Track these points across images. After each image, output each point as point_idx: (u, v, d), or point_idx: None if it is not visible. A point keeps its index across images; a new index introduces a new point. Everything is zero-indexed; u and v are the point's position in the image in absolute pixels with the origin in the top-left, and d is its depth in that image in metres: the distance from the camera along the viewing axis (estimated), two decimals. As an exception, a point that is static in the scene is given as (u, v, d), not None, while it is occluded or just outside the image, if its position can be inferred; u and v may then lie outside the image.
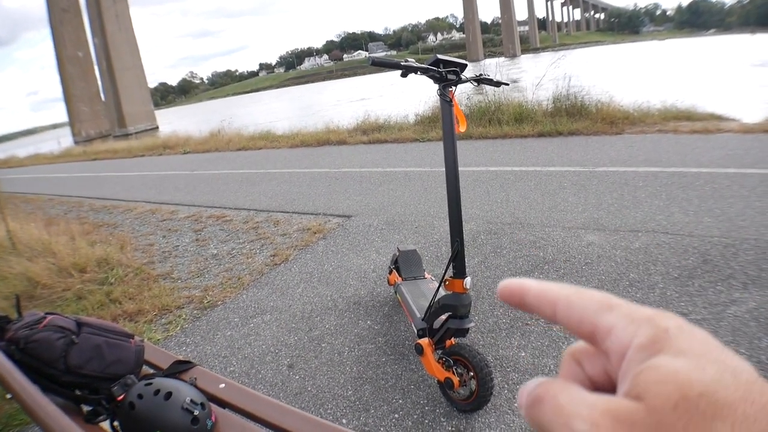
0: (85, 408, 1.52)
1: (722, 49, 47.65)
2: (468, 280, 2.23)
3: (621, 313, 0.26)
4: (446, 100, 2.25)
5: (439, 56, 2.28)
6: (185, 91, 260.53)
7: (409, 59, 2.20)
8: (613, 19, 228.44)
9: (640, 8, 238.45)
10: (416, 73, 2.22)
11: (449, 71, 2.27)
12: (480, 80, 2.58)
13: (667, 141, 6.93)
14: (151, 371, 1.72)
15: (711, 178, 5.01)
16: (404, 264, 3.20)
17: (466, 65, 2.34)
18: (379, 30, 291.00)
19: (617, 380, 0.26)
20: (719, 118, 8.41)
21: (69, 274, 4.53)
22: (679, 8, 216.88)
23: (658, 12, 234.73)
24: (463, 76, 2.34)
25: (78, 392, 1.55)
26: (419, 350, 2.38)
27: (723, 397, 0.22)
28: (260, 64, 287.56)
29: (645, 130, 7.76)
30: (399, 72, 2.21)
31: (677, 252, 3.60)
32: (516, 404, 2.33)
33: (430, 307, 2.43)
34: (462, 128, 2.31)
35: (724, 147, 6.20)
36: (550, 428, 0.24)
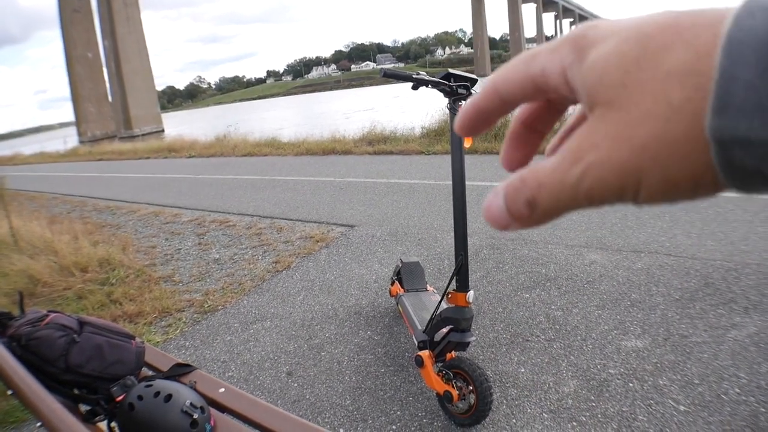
0: (83, 407, 1.51)
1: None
2: (471, 294, 2.23)
3: (544, 51, 0.27)
4: (456, 115, 2.26)
5: (450, 71, 2.29)
6: (192, 96, 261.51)
7: (420, 72, 2.20)
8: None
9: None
10: (427, 86, 2.23)
11: (460, 86, 2.28)
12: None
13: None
14: (151, 373, 1.72)
15: (715, 202, 5.01)
16: (407, 275, 3.20)
17: (476, 80, 2.35)
18: (387, 42, 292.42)
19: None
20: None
21: (70, 273, 4.54)
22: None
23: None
24: (473, 91, 2.35)
25: (76, 391, 1.55)
26: (419, 362, 2.37)
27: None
28: (268, 71, 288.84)
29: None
30: (410, 84, 2.22)
31: (679, 274, 3.60)
32: (514, 420, 2.33)
33: (431, 319, 2.42)
34: (467, 144, 2.32)
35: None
36: (544, 205, 0.26)
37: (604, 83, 0.24)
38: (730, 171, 0.21)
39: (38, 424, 1.29)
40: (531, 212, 0.26)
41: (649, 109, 0.22)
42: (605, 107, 0.24)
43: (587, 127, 0.24)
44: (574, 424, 2.27)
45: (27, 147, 33.77)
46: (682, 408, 2.28)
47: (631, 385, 2.49)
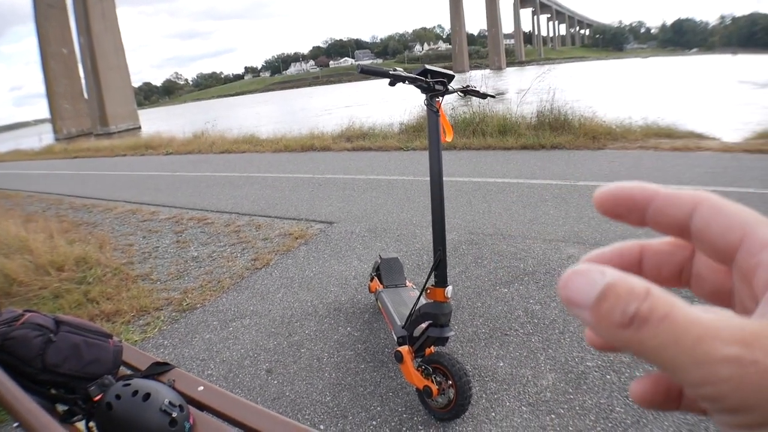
0: (60, 407, 1.50)
1: (702, 69, 48.43)
2: (449, 289, 2.24)
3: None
4: (433, 110, 2.27)
5: (427, 66, 2.30)
6: (169, 92, 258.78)
7: (397, 69, 2.21)
8: (597, 36, 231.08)
9: (625, 25, 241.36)
10: (404, 82, 2.24)
11: (437, 82, 2.29)
12: (467, 91, 2.61)
13: (648, 157, 7.02)
14: (129, 372, 1.71)
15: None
16: (386, 271, 3.21)
17: (453, 76, 2.36)
18: (366, 38, 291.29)
19: (737, 293, 0.24)
20: (699, 136, 8.57)
21: (46, 272, 4.48)
22: (663, 27, 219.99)
23: (642, 30, 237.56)
24: (450, 87, 2.36)
25: (54, 391, 1.53)
26: (399, 358, 2.38)
27: None
28: (246, 68, 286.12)
29: (626, 146, 7.86)
30: (387, 81, 2.22)
31: (655, 267, 3.64)
32: (494, 414, 2.35)
33: (410, 315, 2.43)
34: (448, 138, 2.32)
35: (703, 165, 6.30)
36: (661, 353, 0.20)
37: None
38: None
39: (15, 424, 1.28)
40: (628, 325, 0.20)
41: None
42: None
43: None
44: (553, 416, 2.29)
45: (1, 144, 33.13)
46: (657, 399, 2.31)
47: (608, 377, 2.52)
